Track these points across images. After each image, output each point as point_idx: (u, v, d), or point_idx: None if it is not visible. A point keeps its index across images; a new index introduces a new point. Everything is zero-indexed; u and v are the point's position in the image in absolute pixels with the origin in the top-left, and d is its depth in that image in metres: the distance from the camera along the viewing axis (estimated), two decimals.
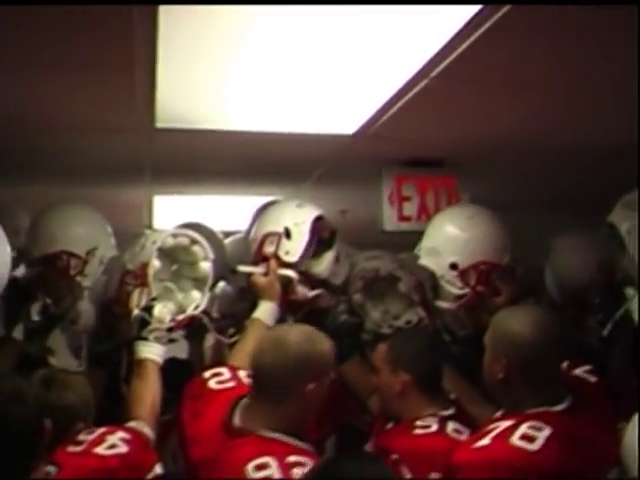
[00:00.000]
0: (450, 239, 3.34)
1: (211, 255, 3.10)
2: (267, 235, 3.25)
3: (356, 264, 3.85)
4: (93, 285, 3.32)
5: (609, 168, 3.26)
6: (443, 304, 3.37)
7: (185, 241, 3.06)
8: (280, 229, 3.23)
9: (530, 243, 3.74)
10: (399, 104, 3.00)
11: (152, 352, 2.89)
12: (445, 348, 3.44)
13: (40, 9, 2.11)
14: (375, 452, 3.00)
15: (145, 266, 2.97)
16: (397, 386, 3.00)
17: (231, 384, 2.70)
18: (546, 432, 2.35)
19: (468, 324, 3.35)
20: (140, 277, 2.98)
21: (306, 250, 3.25)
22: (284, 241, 3.21)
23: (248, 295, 3.29)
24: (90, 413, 2.66)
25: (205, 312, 3.16)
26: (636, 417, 2.18)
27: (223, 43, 2.45)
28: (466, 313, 3.33)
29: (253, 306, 3.15)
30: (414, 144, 3.64)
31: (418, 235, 3.46)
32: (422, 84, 2.75)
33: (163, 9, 2.18)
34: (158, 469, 2.49)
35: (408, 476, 2.74)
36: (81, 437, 2.46)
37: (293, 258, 3.20)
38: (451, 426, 2.89)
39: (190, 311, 3.05)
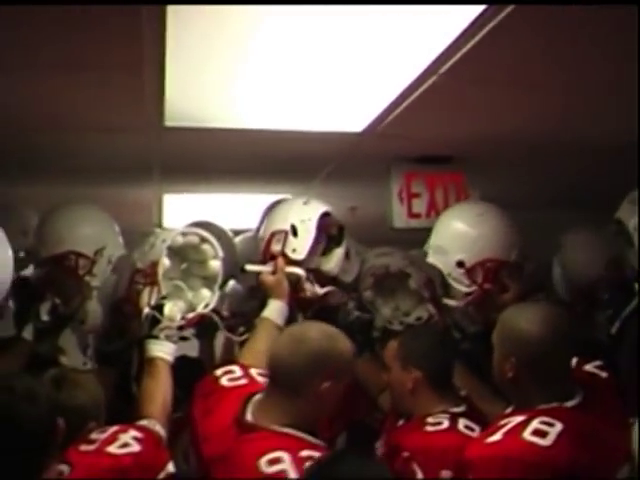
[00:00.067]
0: (456, 237, 3.33)
1: (221, 253, 3.10)
2: (274, 233, 3.25)
3: (366, 261, 3.86)
4: (102, 285, 3.33)
5: (617, 165, 3.25)
6: (451, 302, 3.37)
7: (195, 239, 3.07)
8: (287, 227, 3.22)
9: (539, 240, 3.74)
10: (406, 102, 3.00)
11: (163, 350, 2.89)
12: (455, 345, 3.44)
13: (48, 8, 2.12)
14: (386, 449, 3.01)
15: (155, 265, 2.97)
16: (408, 383, 3.00)
17: (243, 381, 2.70)
18: (558, 427, 2.34)
19: (477, 320, 3.34)
20: (150, 276, 2.98)
21: (313, 247, 3.24)
22: (291, 239, 3.20)
23: (258, 294, 3.29)
24: (101, 412, 2.67)
25: (215, 310, 3.17)
26: None
27: (231, 42, 2.46)
28: (475, 310, 3.33)
29: (263, 305, 3.14)
30: (422, 141, 3.64)
31: (427, 232, 3.46)
32: (429, 82, 2.75)
33: (171, 9, 2.18)
34: (170, 467, 2.49)
35: (419, 473, 2.74)
36: (93, 436, 2.46)
37: (300, 256, 3.19)
38: (462, 423, 2.89)
39: (200, 309, 3.05)
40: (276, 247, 3.21)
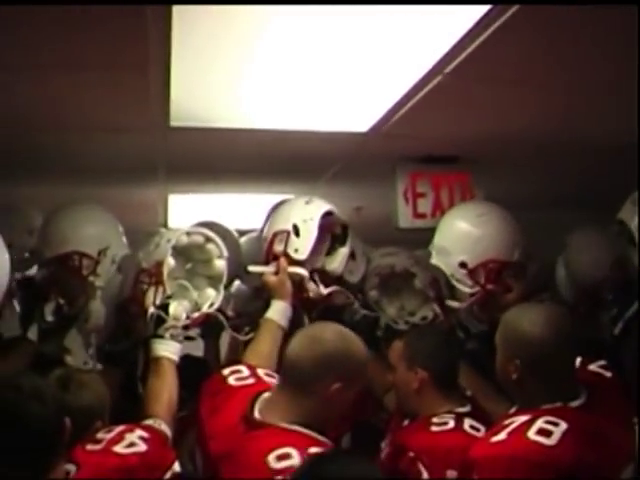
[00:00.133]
0: (458, 238, 3.33)
1: (225, 253, 3.11)
2: (276, 233, 3.24)
3: (371, 261, 3.86)
4: (106, 285, 3.33)
5: (621, 165, 3.25)
6: (454, 304, 3.37)
7: (199, 239, 3.07)
8: (289, 227, 3.21)
9: (543, 240, 3.74)
10: (412, 102, 3.00)
11: (168, 350, 2.90)
12: (460, 344, 3.44)
13: (54, 8, 2.12)
14: (391, 449, 3.01)
15: (160, 264, 2.97)
16: (414, 383, 3.00)
17: (250, 381, 2.70)
18: (562, 427, 2.34)
19: (482, 320, 3.34)
20: (155, 275, 2.98)
21: (317, 247, 3.23)
22: (293, 239, 3.19)
23: (263, 294, 3.28)
24: (106, 411, 2.68)
25: (220, 311, 3.17)
26: None
27: (237, 42, 2.46)
28: (479, 310, 3.33)
29: (268, 305, 3.14)
30: (427, 141, 3.63)
31: (433, 232, 3.46)
32: (434, 82, 2.75)
33: (177, 9, 2.18)
34: (176, 467, 2.50)
35: (425, 473, 2.74)
36: (99, 435, 2.47)
37: (302, 256, 3.18)
38: (468, 423, 2.89)
39: (205, 309, 3.06)
40: (278, 247, 3.21)
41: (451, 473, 2.67)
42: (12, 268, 3.61)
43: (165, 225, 5.48)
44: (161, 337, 2.90)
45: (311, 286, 3.21)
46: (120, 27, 2.28)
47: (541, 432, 2.33)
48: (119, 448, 2.41)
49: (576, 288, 3.94)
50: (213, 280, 3.11)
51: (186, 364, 2.99)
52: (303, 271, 3.18)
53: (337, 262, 3.32)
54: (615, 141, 3.39)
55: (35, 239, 3.61)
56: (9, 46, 2.39)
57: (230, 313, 3.45)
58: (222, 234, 3.26)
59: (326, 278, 3.28)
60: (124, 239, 3.50)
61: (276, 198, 3.68)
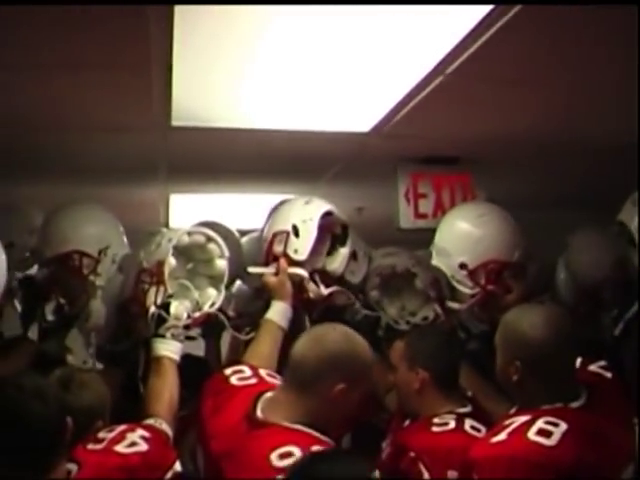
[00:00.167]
0: (458, 239, 3.33)
1: (226, 253, 3.10)
2: (276, 234, 3.23)
3: (373, 261, 3.86)
4: (106, 284, 3.33)
5: (622, 166, 3.25)
6: (454, 305, 3.37)
7: (201, 239, 3.07)
8: (288, 227, 3.19)
9: (544, 240, 3.73)
10: (413, 102, 3.00)
11: (169, 349, 2.90)
12: (462, 345, 3.44)
13: (56, 8, 2.12)
14: (392, 449, 3.01)
15: (161, 264, 2.97)
16: (415, 383, 3.01)
17: (253, 381, 2.70)
18: (562, 427, 2.35)
19: (483, 320, 3.34)
20: (156, 275, 2.98)
21: (317, 247, 3.22)
22: (292, 239, 3.18)
23: (264, 294, 3.27)
24: (107, 410, 2.68)
25: (221, 311, 3.17)
26: None
27: (239, 42, 2.46)
28: (479, 310, 3.33)
29: (269, 305, 3.14)
30: (429, 141, 3.63)
31: (434, 232, 3.46)
32: (436, 82, 2.75)
33: (179, 9, 2.19)
34: (178, 467, 2.50)
35: (425, 474, 2.74)
36: (101, 435, 2.47)
37: (302, 256, 3.16)
38: (468, 423, 2.89)
39: (206, 308, 3.06)
40: (278, 248, 3.19)
41: (452, 473, 2.67)
42: (13, 267, 3.63)
43: (166, 225, 5.48)
44: (162, 337, 2.90)
45: (311, 287, 3.20)
46: (122, 27, 2.28)
47: (541, 432, 2.34)
48: (120, 447, 2.41)
49: (577, 289, 3.93)
50: (214, 280, 3.11)
51: (186, 363, 2.99)
52: (303, 272, 3.17)
53: (338, 262, 3.32)
54: (617, 141, 3.39)
55: (36, 239, 3.61)
56: (11, 46, 2.40)
57: (231, 313, 3.45)
58: (223, 234, 3.25)
59: (327, 278, 3.27)
60: (124, 238, 3.50)
61: (277, 198, 3.68)
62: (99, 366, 3.40)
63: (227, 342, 3.71)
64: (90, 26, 2.27)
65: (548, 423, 2.36)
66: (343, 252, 3.33)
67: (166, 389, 2.81)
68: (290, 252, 3.17)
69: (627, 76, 2.64)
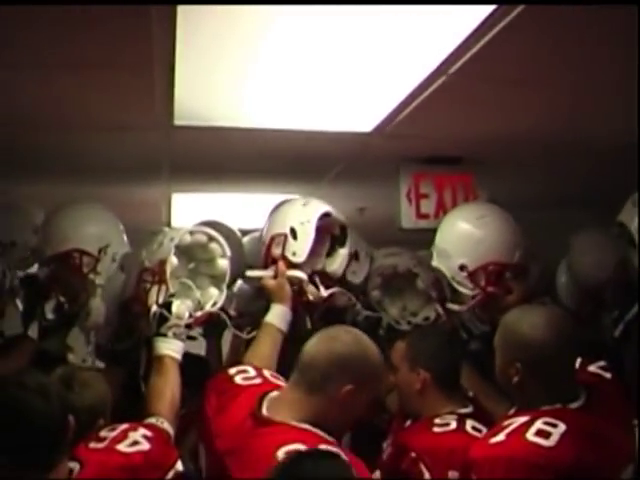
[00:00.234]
0: (458, 240, 3.32)
1: (228, 252, 3.10)
2: (274, 237, 3.22)
3: (374, 261, 3.86)
4: (106, 282, 3.33)
5: (625, 166, 3.25)
6: (454, 307, 3.37)
7: (202, 238, 3.07)
8: (286, 230, 3.18)
9: (547, 240, 3.73)
10: (415, 102, 3.00)
11: (171, 348, 2.90)
12: (463, 345, 3.44)
13: (58, 8, 2.12)
14: (393, 450, 3.01)
15: (163, 263, 2.97)
16: (417, 384, 3.01)
17: (257, 381, 2.70)
18: (561, 428, 2.35)
19: (484, 321, 3.34)
20: (158, 274, 2.98)
21: (316, 249, 3.21)
22: (291, 242, 3.17)
23: (265, 294, 3.28)
24: (108, 408, 2.69)
25: (223, 310, 3.17)
26: None
27: (241, 42, 2.46)
28: (481, 311, 3.33)
29: (270, 304, 3.14)
30: (431, 142, 3.63)
31: (435, 232, 3.45)
32: (438, 82, 2.75)
33: (181, 9, 2.19)
34: (179, 466, 2.50)
35: (426, 474, 2.74)
36: (102, 434, 2.47)
37: (300, 259, 3.16)
38: (470, 424, 2.89)
39: (208, 308, 3.06)
40: (276, 251, 3.19)
41: (453, 474, 2.67)
42: (14, 266, 3.64)
43: (168, 224, 5.49)
44: (164, 336, 2.90)
45: (311, 289, 3.19)
46: (124, 27, 2.28)
47: (540, 433, 2.34)
48: (123, 447, 2.41)
49: (579, 289, 3.94)
50: (216, 279, 3.11)
51: (186, 362, 2.98)
52: (302, 274, 3.16)
53: (337, 264, 3.31)
54: (620, 142, 3.39)
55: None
56: (14, 46, 2.40)
57: (232, 312, 3.44)
58: (225, 233, 3.25)
59: (327, 280, 3.26)
60: (124, 237, 3.50)
61: (279, 198, 3.67)
62: (99, 364, 3.41)
63: (228, 341, 3.71)
64: (93, 26, 2.27)
65: (547, 424, 2.36)
66: (342, 253, 3.33)
67: (168, 388, 2.81)
68: (288, 255, 3.16)
69: (627, 76, 2.64)
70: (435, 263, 3.36)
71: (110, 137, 3.52)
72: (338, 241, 3.32)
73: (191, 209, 5.09)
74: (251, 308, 3.47)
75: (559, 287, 4.16)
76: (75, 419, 2.21)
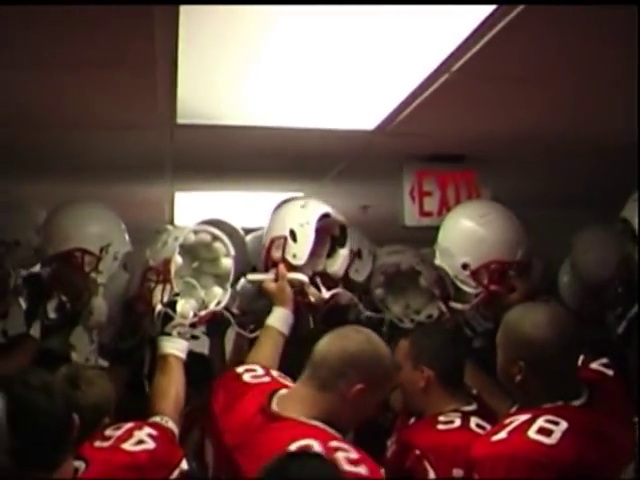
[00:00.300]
0: (460, 239, 3.32)
1: (232, 252, 3.11)
2: (273, 240, 3.22)
3: (377, 259, 3.86)
4: (108, 281, 3.34)
5: (627, 164, 3.25)
6: (457, 306, 3.37)
7: (207, 238, 3.08)
8: (285, 232, 3.18)
9: (550, 239, 3.73)
10: (418, 100, 2.99)
11: (175, 347, 2.91)
12: (466, 343, 3.45)
13: (61, 7, 2.12)
14: (397, 448, 3.02)
15: (167, 262, 2.98)
16: (421, 382, 3.01)
17: (266, 379, 2.71)
18: (563, 426, 2.35)
19: (488, 318, 3.34)
20: (162, 273, 2.99)
21: (316, 250, 3.21)
22: (290, 244, 3.16)
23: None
24: (112, 407, 2.69)
25: (226, 308, 3.18)
26: None
27: (244, 41, 2.46)
28: (484, 309, 3.33)
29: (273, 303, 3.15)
30: (434, 140, 3.63)
31: (439, 230, 3.45)
32: (441, 80, 2.75)
33: (184, 9, 2.19)
34: (184, 465, 2.51)
35: (431, 472, 2.75)
36: (108, 432, 2.48)
37: (300, 261, 3.15)
38: (474, 421, 2.90)
39: (212, 307, 3.06)
40: (276, 254, 3.19)
41: (457, 472, 2.67)
42: (18, 266, 3.64)
43: (171, 222, 5.48)
44: (169, 335, 2.91)
45: (312, 291, 3.18)
46: (128, 26, 2.28)
47: (541, 431, 2.34)
48: (128, 445, 2.42)
49: (582, 287, 3.93)
50: (220, 279, 3.12)
51: (189, 361, 2.99)
52: (303, 277, 3.16)
53: (338, 264, 3.30)
54: (622, 140, 3.39)
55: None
56: (17, 45, 2.40)
57: (235, 310, 3.45)
58: (228, 232, 3.26)
59: (328, 280, 3.26)
60: (126, 236, 3.50)
61: (282, 196, 3.67)
62: (102, 363, 3.42)
63: (231, 340, 3.71)
64: (96, 25, 2.27)
65: (548, 422, 2.37)
66: (343, 253, 3.32)
67: (172, 387, 2.82)
68: (289, 257, 3.16)
69: (627, 76, 2.64)
70: (438, 262, 3.36)
71: (113, 136, 3.52)
72: (338, 241, 3.32)
73: (194, 207, 5.09)
74: (254, 306, 3.47)
75: (562, 285, 4.15)
76: (80, 417, 2.22)
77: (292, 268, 3.15)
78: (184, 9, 2.20)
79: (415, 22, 2.32)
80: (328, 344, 2.51)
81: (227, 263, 3.10)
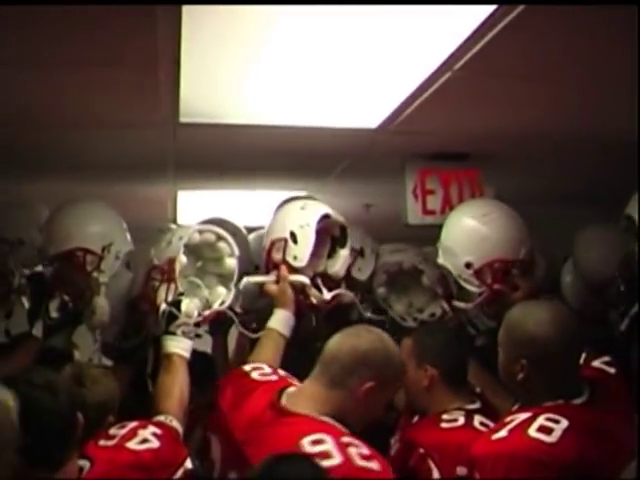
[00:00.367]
0: (463, 238, 3.32)
1: (236, 251, 3.11)
2: (274, 242, 3.22)
3: (380, 258, 3.86)
4: (110, 281, 3.34)
5: (632, 162, 3.25)
6: (461, 305, 3.37)
7: (211, 237, 3.08)
8: (286, 234, 3.18)
9: (554, 236, 3.73)
10: (421, 99, 3.00)
11: (179, 347, 2.91)
12: (469, 341, 3.44)
13: (64, 7, 2.13)
14: (401, 446, 3.02)
15: (172, 261, 2.99)
16: (424, 381, 3.01)
17: (274, 377, 2.72)
18: (563, 424, 2.35)
19: (491, 316, 3.34)
20: (167, 273, 3.00)
21: (317, 251, 3.21)
22: (291, 246, 3.16)
23: None
24: (117, 405, 2.70)
25: (229, 307, 3.18)
26: None
27: (245, 41, 2.47)
28: (487, 307, 3.32)
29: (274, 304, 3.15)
30: (437, 138, 3.63)
31: (442, 228, 3.45)
32: (443, 79, 2.75)
33: (186, 9, 2.20)
34: (188, 464, 2.51)
35: (435, 470, 2.75)
36: (112, 431, 2.48)
37: (301, 263, 3.15)
38: (478, 419, 2.89)
39: (216, 307, 3.07)
40: (277, 256, 3.19)
41: (461, 470, 2.66)
42: (21, 265, 3.64)
43: (174, 221, 5.49)
44: (173, 334, 2.91)
45: (313, 292, 3.18)
46: (131, 26, 2.29)
47: (542, 429, 2.34)
48: (132, 444, 2.42)
49: (585, 285, 3.93)
50: (224, 278, 3.12)
51: (192, 359, 2.99)
52: (304, 278, 3.16)
53: (338, 265, 3.30)
54: (626, 138, 3.38)
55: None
56: (19, 44, 2.41)
57: (238, 309, 3.45)
58: (231, 231, 3.26)
59: (329, 281, 3.26)
60: (128, 235, 3.50)
61: (284, 195, 3.67)
62: (106, 362, 3.42)
63: (234, 338, 3.71)
64: (99, 24, 2.28)
65: (549, 420, 2.36)
66: (343, 254, 3.32)
67: (176, 386, 2.82)
68: (289, 259, 3.16)
69: (627, 76, 2.64)
70: (441, 261, 3.36)
71: (116, 135, 3.53)
72: (338, 242, 3.32)
73: (197, 206, 5.09)
74: (257, 305, 3.48)
75: (564, 283, 4.15)
76: (84, 416, 2.22)
77: (293, 270, 3.15)
78: (186, 9, 2.20)
79: (417, 20, 2.33)
80: (339, 342, 2.52)
81: (231, 263, 3.10)
